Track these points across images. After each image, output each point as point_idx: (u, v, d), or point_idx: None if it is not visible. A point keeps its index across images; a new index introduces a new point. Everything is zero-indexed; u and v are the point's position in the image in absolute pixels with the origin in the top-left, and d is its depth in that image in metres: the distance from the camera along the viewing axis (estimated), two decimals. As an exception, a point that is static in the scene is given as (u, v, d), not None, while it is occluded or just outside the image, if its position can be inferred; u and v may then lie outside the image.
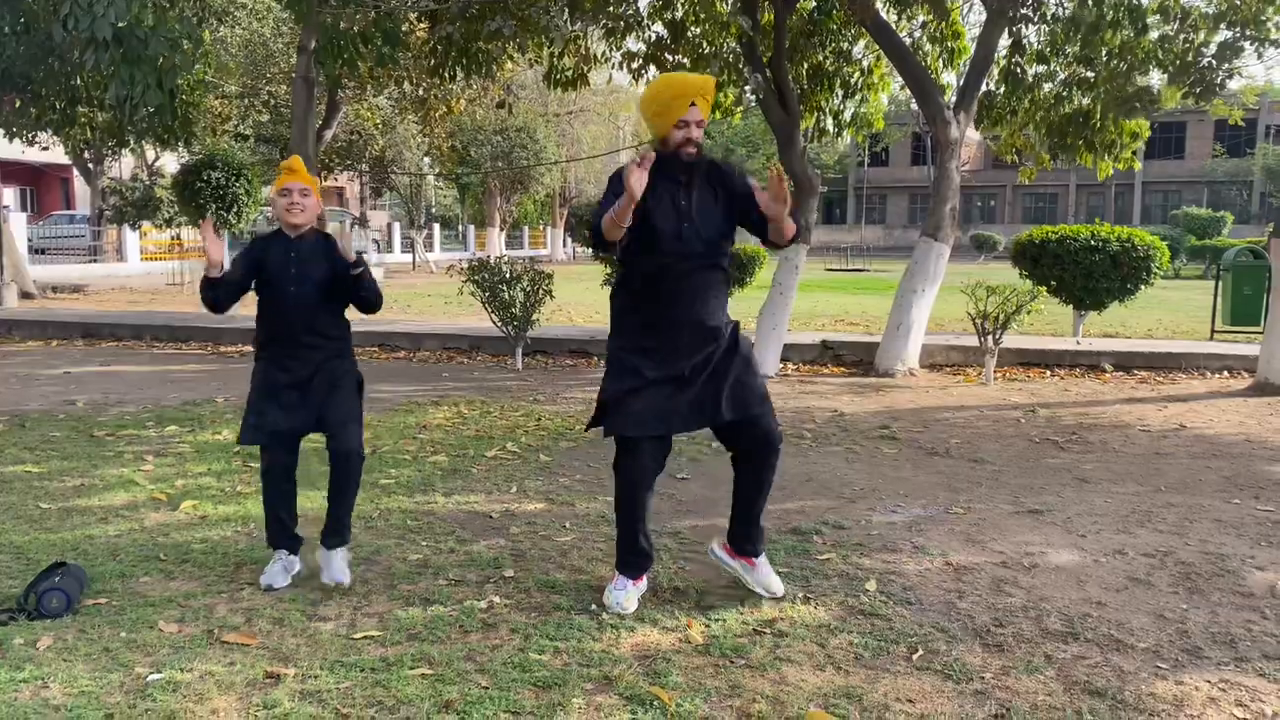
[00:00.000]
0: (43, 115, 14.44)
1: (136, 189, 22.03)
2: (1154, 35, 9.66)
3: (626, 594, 3.70)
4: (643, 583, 3.80)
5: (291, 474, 3.98)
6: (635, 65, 10.69)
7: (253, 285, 3.98)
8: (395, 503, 5.09)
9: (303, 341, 3.92)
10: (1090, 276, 11.03)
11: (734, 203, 3.70)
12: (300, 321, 3.91)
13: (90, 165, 25.56)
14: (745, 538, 3.85)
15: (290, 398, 3.90)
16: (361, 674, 3.11)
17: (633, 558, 3.77)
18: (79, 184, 33.75)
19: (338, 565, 3.87)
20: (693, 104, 3.58)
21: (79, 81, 13.35)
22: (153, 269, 25.70)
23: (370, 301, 4.01)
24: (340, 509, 3.91)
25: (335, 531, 3.91)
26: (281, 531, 3.98)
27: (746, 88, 10.63)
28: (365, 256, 4.07)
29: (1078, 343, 11.26)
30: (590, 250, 3.03)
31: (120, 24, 7.56)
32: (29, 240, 25.95)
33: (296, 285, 3.89)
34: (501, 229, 37.98)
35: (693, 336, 3.63)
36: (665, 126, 3.61)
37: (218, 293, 3.90)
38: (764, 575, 3.83)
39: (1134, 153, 11.19)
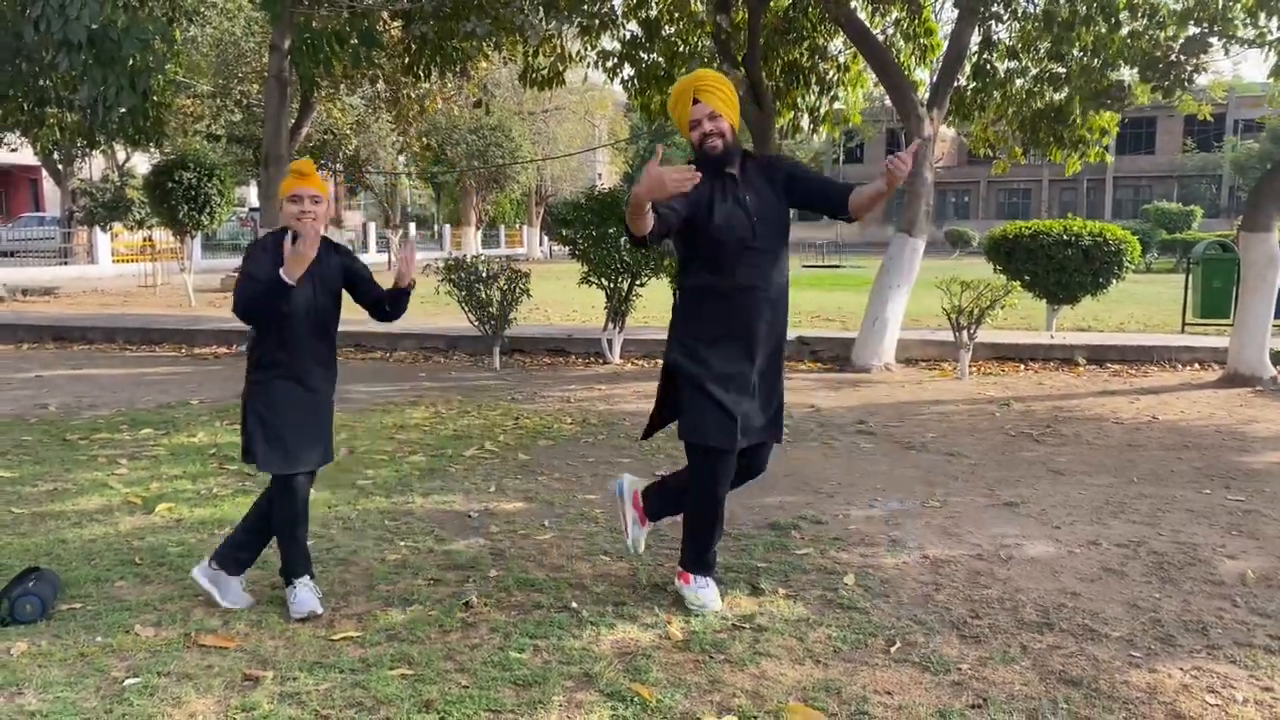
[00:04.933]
0: (10, 116, 14.25)
1: (107, 190, 21.78)
2: (1124, 31, 9.76)
3: None
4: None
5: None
6: (610, 64, 10.69)
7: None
8: (373, 503, 5.07)
9: (316, 359, 3.69)
10: (1063, 271, 11.14)
11: (784, 187, 3.66)
12: (317, 337, 3.67)
13: (60, 166, 25.29)
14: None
15: (312, 424, 3.67)
16: (341, 675, 3.10)
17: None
18: (48, 185, 33.39)
19: (305, 596, 3.67)
20: (695, 100, 3.54)
21: (47, 82, 13.18)
22: (124, 271, 25.42)
23: (393, 318, 3.85)
24: (303, 541, 3.73)
25: (303, 564, 3.72)
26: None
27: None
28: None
29: (1051, 337, 11.37)
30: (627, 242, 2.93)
31: (93, 26, 7.47)
32: (-2, 243, 25.66)
33: (321, 298, 3.66)
34: (477, 228, 37.86)
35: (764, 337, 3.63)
36: (686, 133, 3.61)
37: (289, 305, 3.52)
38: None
39: (1105, 148, 11.31)
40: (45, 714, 2.85)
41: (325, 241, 3.73)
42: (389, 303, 3.81)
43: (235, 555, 3.74)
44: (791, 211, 3.77)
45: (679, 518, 3.86)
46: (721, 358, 3.57)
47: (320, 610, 3.59)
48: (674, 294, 3.79)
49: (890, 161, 3.31)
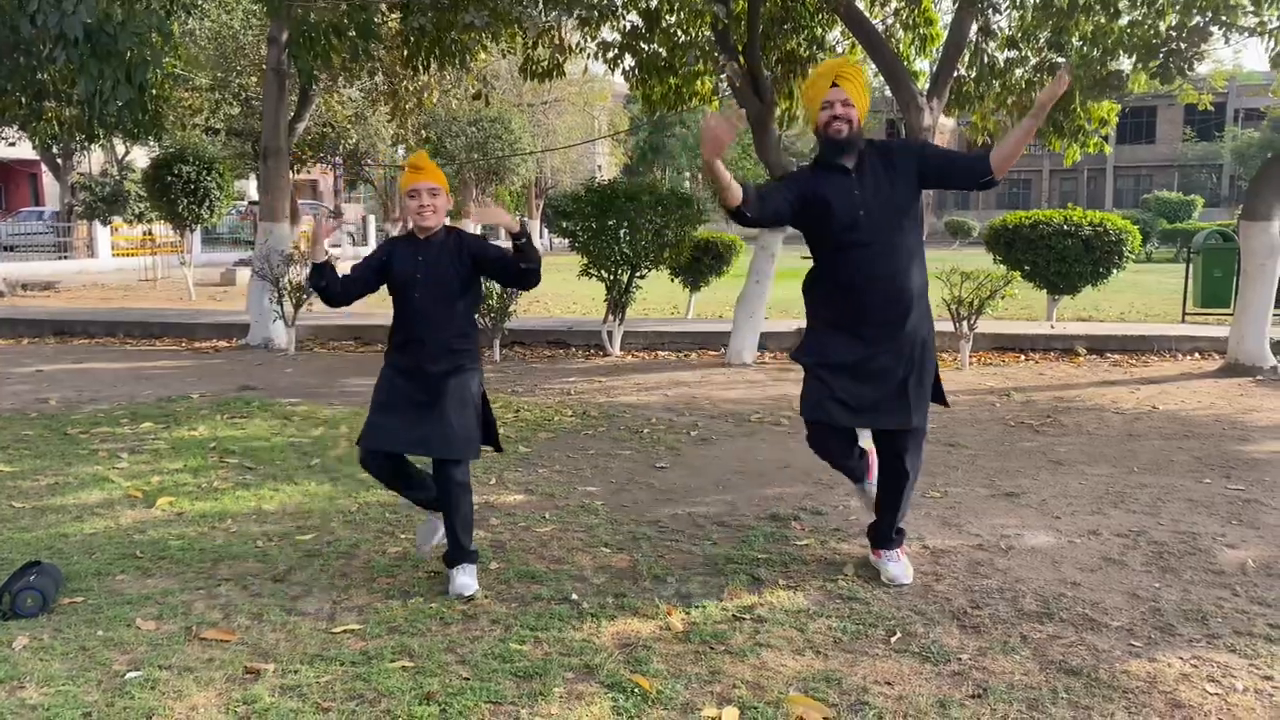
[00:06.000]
0: (8, 110, 14.24)
1: (106, 184, 21.75)
2: (1124, 20, 9.73)
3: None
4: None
5: (400, 470, 3.85)
6: (610, 55, 10.66)
7: (382, 286, 3.88)
8: (373, 496, 5.07)
9: (428, 350, 3.73)
10: (1063, 261, 11.13)
11: (911, 173, 3.71)
12: (427, 328, 3.73)
13: (59, 160, 25.22)
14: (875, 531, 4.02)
15: (408, 411, 3.72)
16: (342, 667, 3.11)
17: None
18: (48, 179, 33.34)
19: (459, 580, 3.77)
20: (834, 84, 3.61)
21: (45, 76, 13.16)
22: (124, 265, 25.42)
23: (535, 274, 3.84)
24: (452, 530, 3.80)
25: (452, 552, 3.84)
26: (425, 503, 3.98)
27: (721, 76, 10.63)
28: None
29: (1051, 327, 11.36)
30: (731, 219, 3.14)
31: (89, 20, 7.44)
32: (-3, 237, 25.64)
33: (422, 290, 3.72)
34: (477, 221, 37.82)
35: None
36: (814, 111, 3.66)
37: (326, 281, 3.77)
38: (882, 565, 3.93)
39: (1104, 137, 11.28)
40: (46, 707, 2.85)
41: (447, 230, 3.86)
42: (520, 261, 3.81)
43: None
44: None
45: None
46: (836, 345, 3.76)
47: (474, 589, 3.72)
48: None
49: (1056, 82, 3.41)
